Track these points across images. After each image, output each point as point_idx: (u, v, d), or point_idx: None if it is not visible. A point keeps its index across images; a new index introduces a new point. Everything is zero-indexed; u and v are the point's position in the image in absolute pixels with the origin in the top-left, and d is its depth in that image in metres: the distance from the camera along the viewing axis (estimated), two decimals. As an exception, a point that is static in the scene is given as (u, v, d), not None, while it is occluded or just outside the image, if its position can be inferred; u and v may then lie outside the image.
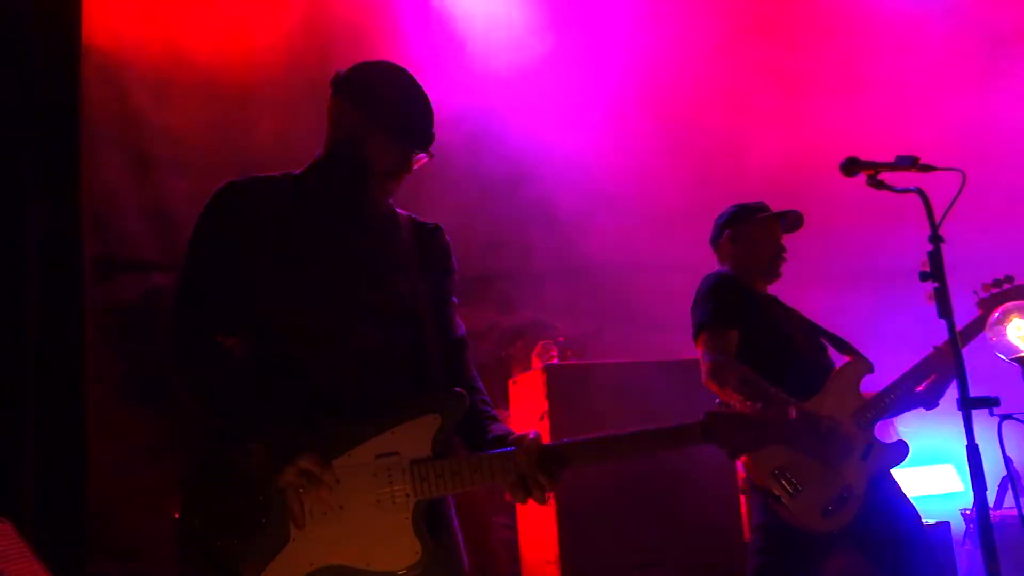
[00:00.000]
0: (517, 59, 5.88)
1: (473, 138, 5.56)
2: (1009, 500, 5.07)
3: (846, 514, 3.20)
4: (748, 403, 3.14)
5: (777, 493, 3.21)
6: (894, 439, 3.41)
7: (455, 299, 2.53)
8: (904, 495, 3.41)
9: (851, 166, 3.14)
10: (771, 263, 3.65)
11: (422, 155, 2.35)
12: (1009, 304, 2.79)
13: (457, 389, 2.26)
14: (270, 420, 2.15)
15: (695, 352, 4.66)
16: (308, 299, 2.23)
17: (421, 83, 2.37)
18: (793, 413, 2.31)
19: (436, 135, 2.35)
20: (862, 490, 3.24)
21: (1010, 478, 3.09)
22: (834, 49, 5.99)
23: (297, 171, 2.40)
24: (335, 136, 2.35)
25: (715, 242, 3.81)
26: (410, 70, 2.38)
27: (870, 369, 3.42)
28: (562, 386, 4.55)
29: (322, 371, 2.20)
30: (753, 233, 3.68)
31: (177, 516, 2.12)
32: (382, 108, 2.29)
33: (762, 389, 3.21)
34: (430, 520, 2.19)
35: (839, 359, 3.53)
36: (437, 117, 2.36)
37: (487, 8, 6.07)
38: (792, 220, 3.72)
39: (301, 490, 2.10)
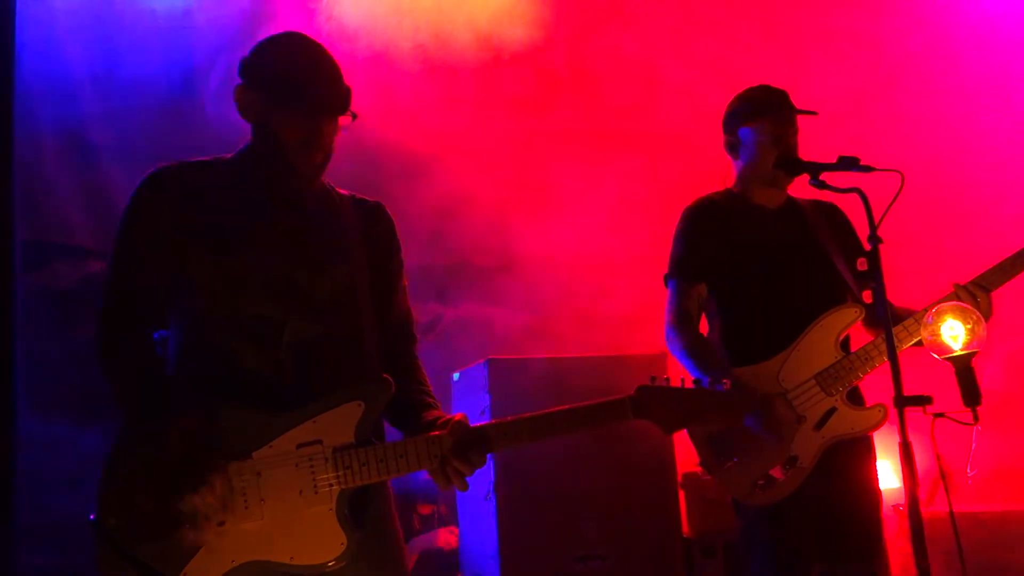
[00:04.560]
0: (449, 42, 5.82)
1: (406, 127, 5.52)
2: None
3: (783, 488, 3.01)
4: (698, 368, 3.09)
5: (706, 462, 3.09)
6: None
7: (404, 281, 2.46)
8: (867, 471, 3.19)
9: (791, 166, 3.16)
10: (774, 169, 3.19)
11: (343, 118, 2.27)
12: (943, 304, 2.80)
13: (384, 375, 2.20)
14: (189, 414, 2.07)
15: (641, 347, 4.68)
16: (240, 288, 2.17)
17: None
18: (727, 386, 2.26)
19: (351, 92, 2.27)
20: (811, 461, 3.04)
21: (941, 476, 3.12)
22: (782, 46, 6.03)
23: (228, 156, 2.34)
24: (249, 122, 2.30)
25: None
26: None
27: (859, 316, 3.13)
28: (504, 380, 4.52)
29: (255, 363, 2.15)
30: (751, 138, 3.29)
31: (92, 516, 2.05)
32: (276, 82, 2.22)
33: (705, 359, 3.09)
34: (357, 510, 2.13)
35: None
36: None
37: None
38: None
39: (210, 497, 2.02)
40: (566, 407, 2.20)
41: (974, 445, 5.28)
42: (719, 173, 3.48)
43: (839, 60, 5.95)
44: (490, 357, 4.62)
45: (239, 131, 2.38)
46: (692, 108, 5.80)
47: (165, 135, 5.14)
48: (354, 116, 2.28)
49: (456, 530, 5.16)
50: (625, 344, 4.93)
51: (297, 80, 2.21)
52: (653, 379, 2.25)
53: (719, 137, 3.46)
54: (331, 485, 2.09)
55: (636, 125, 6.00)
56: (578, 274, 5.88)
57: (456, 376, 5.00)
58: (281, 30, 2.35)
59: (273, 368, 2.15)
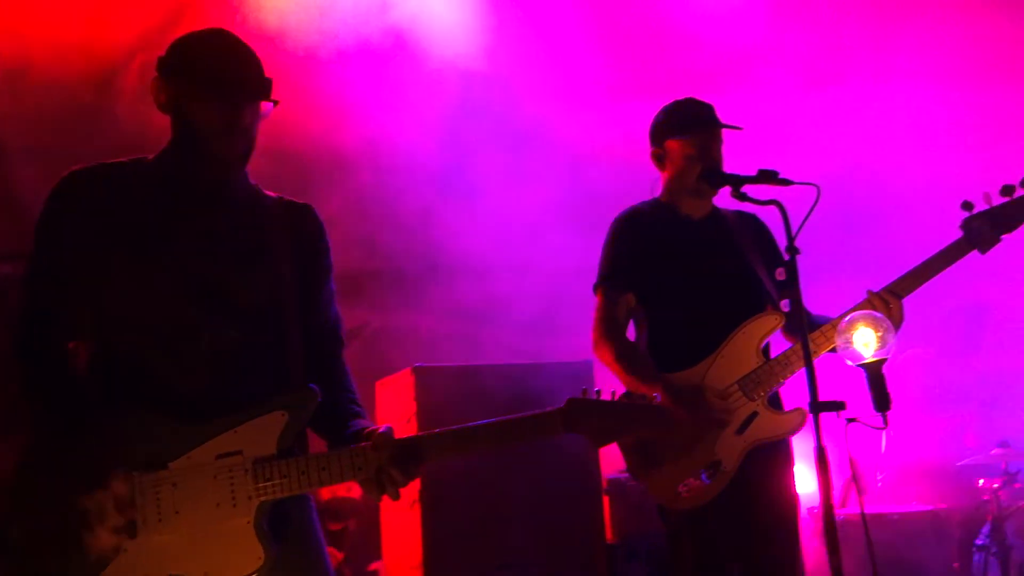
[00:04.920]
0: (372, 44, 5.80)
1: (330, 129, 5.47)
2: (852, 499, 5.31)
3: (707, 492, 3.08)
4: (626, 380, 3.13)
5: (632, 468, 3.13)
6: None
7: (331, 285, 2.42)
8: (786, 474, 3.26)
9: (715, 178, 3.24)
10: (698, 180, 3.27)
11: (264, 104, 2.23)
12: (856, 313, 2.90)
13: (310, 385, 2.17)
14: (103, 424, 2.02)
15: (569, 354, 4.71)
16: (156, 293, 2.11)
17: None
18: (657, 399, 2.29)
19: (271, 82, 2.23)
20: (734, 465, 3.10)
21: (854, 479, 3.20)
22: (705, 60, 6.15)
23: (150, 157, 2.28)
24: (168, 114, 2.24)
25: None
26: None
27: (779, 324, 3.22)
28: (431, 388, 4.50)
29: (171, 372, 2.09)
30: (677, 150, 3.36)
31: None
32: (193, 69, 2.17)
33: (635, 366, 3.14)
34: (278, 523, 2.09)
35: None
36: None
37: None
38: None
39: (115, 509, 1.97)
40: (498, 419, 2.20)
41: (883, 448, 5.50)
42: (643, 181, 3.54)
43: (760, 77, 6.11)
44: (416, 365, 4.59)
45: (157, 132, 2.32)
46: (615, 116, 5.89)
47: (80, 136, 5.00)
48: (275, 103, 2.24)
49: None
50: (551, 351, 4.96)
51: (215, 66, 2.17)
52: (584, 391, 2.27)
53: (640, 146, 3.53)
54: (250, 497, 2.05)
55: (559, 132, 6.06)
56: (505, 281, 5.90)
57: (382, 383, 4.96)
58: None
59: (190, 376, 2.09)
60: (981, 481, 4.84)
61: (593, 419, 2.23)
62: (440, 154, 5.87)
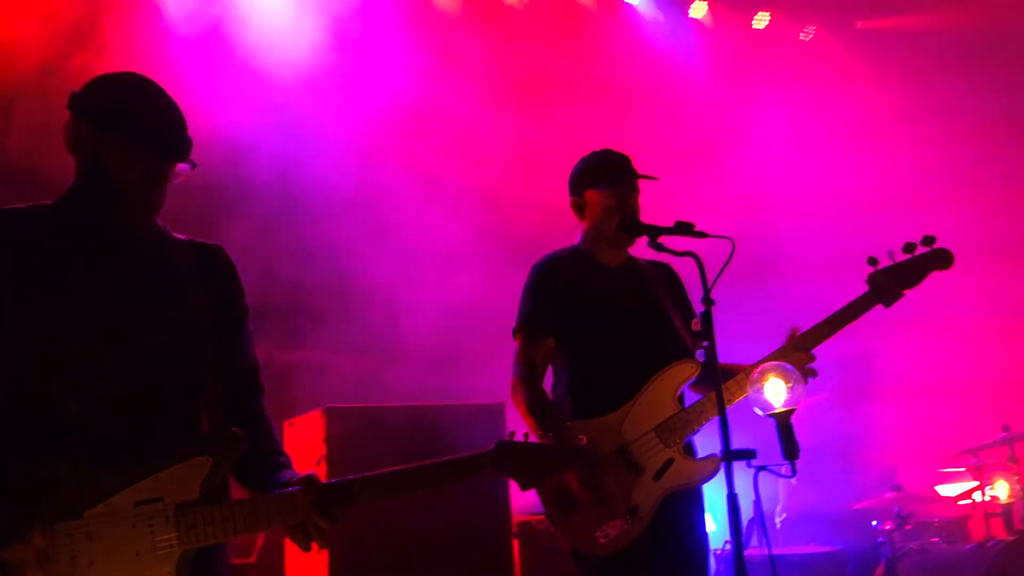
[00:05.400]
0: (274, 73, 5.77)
1: (243, 162, 5.40)
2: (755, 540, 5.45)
3: (623, 537, 3.10)
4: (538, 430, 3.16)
5: (549, 511, 3.14)
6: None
7: (249, 326, 2.38)
8: (698, 519, 3.32)
9: (633, 228, 3.32)
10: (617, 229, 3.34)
11: (182, 165, 2.21)
12: (767, 364, 3.00)
13: (234, 429, 2.12)
14: (19, 473, 1.93)
15: (478, 393, 4.71)
16: (61, 336, 2.04)
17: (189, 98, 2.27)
18: (583, 440, 2.33)
19: (193, 142, 2.22)
20: (651, 510, 3.14)
21: (761, 521, 3.30)
22: (618, 109, 6.32)
23: (49, 201, 2.20)
24: (80, 159, 2.18)
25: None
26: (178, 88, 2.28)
27: (695, 372, 3.28)
28: (342, 429, 4.44)
29: (83, 415, 2.01)
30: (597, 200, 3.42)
31: None
32: (121, 122, 2.13)
33: (544, 420, 3.15)
34: (199, 571, 2.04)
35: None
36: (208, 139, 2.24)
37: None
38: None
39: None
40: (427, 463, 2.19)
41: (785, 493, 5.66)
42: (557, 223, 3.61)
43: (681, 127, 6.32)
44: (328, 405, 4.53)
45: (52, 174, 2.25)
46: (521, 160, 5.98)
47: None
48: (194, 165, 2.22)
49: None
50: (459, 390, 4.96)
51: (144, 121, 2.14)
52: (511, 434, 2.30)
53: (554, 186, 3.60)
54: (171, 546, 1.98)
55: (471, 170, 6.11)
56: (416, 320, 5.87)
57: (290, 423, 4.87)
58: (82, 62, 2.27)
59: (102, 420, 2.03)
60: (876, 523, 5.03)
61: (520, 460, 2.26)
62: (350, 187, 5.84)
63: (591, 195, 3.46)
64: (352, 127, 5.94)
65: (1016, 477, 4.71)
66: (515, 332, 3.42)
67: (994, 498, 4.71)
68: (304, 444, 4.62)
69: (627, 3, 7.15)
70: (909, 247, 3.28)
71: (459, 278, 5.74)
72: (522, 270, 3.49)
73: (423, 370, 5.76)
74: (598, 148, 3.56)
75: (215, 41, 5.78)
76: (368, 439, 4.38)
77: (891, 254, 3.29)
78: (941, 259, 3.29)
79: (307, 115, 5.84)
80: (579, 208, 3.52)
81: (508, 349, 3.42)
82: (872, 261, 3.31)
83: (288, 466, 2.27)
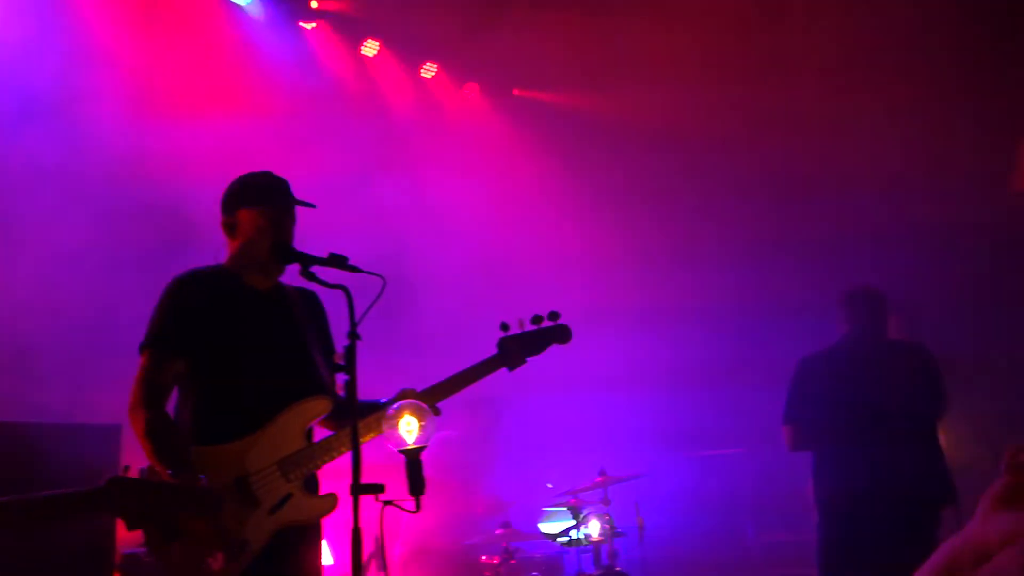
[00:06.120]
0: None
1: None
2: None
3: (229, 572, 2.98)
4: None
5: (149, 542, 2.87)
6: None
7: None
8: (311, 554, 3.29)
9: (285, 254, 3.28)
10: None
11: None
12: (404, 401, 3.10)
13: None
14: None
15: (91, 415, 4.33)
16: None
17: None
18: (204, 481, 2.22)
19: None
20: (260, 545, 3.07)
21: (381, 555, 3.38)
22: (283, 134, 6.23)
23: None
24: None
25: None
26: None
27: (328, 409, 3.29)
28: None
29: None
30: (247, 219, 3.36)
31: None
32: None
33: (163, 448, 2.96)
34: None
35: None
36: None
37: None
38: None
39: None
40: (26, 497, 1.98)
41: (404, 527, 5.82)
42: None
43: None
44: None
45: None
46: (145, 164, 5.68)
47: None
48: None
49: None
50: (80, 410, 4.54)
51: None
52: (126, 468, 2.13)
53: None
54: None
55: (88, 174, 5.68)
56: (35, 325, 5.26)
57: None
58: None
59: None
60: (483, 558, 5.33)
61: (133, 499, 2.10)
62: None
63: (244, 215, 3.38)
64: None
65: (607, 517, 5.25)
66: (142, 348, 3.21)
67: (588, 536, 5.20)
68: None
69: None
70: (536, 319, 3.59)
71: (71, 281, 5.25)
72: (137, 274, 3.29)
73: (39, 385, 5.12)
74: (256, 169, 3.49)
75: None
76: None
77: (521, 323, 3.57)
78: (562, 334, 3.63)
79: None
80: (230, 227, 3.42)
81: (131, 364, 3.20)
82: (504, 327, 3.58)
83: None
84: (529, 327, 3.58)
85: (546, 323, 3.59)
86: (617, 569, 5.23)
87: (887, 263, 6.38)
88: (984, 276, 6.56)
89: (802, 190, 6.91)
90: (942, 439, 4.96)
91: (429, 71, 7.66)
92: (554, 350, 3.64)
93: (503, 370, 3.56)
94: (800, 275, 6.82)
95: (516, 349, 3.55)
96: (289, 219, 3.41)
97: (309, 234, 3.47)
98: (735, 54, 6.75)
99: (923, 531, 4.68)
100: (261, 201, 3.37)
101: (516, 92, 8.03)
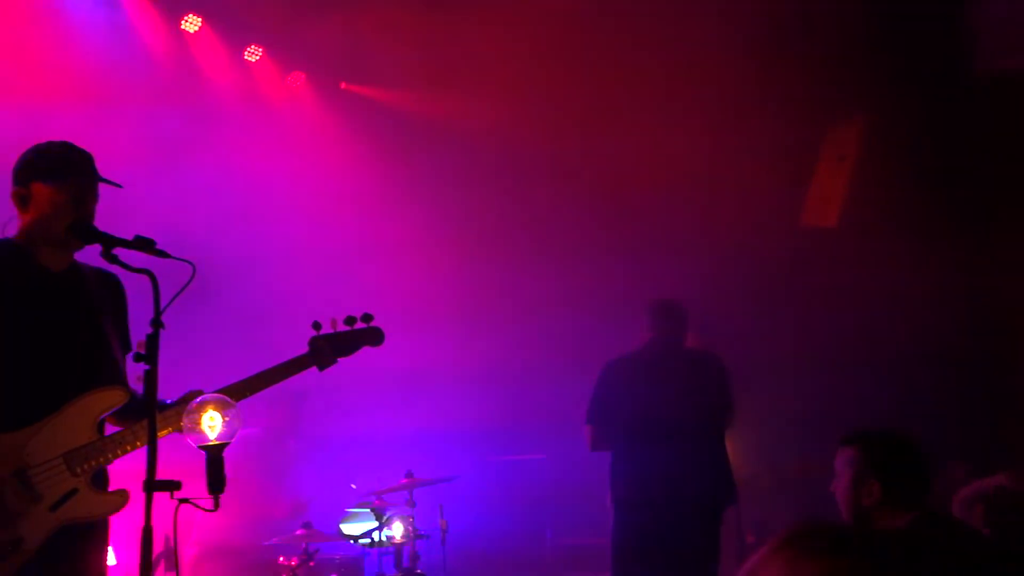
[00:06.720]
0: None
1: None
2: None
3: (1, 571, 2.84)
4: None
5: None
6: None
7: None
8: (95, 554, 3.12)
9: (85, 233, 3.06)
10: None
11: None
12: (208, 395, 2.96)
13: None
14: None
15: None
16: None
17: None
18: None
19: None
20: (37, 544, 2.90)
21: (175, 554, 3.22)
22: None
23: None
24: None
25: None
26: None
27: (122, 401, 3.11)
28: None
29: None
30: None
31: None
32: None
33: None
34: None
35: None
36: None
37: None
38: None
39: None
40: None
41: (197, 526, 5.60)
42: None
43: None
44: None
45: None
46: None
47: None
48: None
49: None
50: None
51: None
52: None
53: None
54: None
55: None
56: None
57: None
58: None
59: None
60: (281, 559, 5.19)
61: None
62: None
63: (39, 188, 3.15)
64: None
65: (411, 519, 5.23)
66: None
67: (391, 537, 5.16)
68: None
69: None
70: (350, 320, 3.51)
71: None
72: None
73: None
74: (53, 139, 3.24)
75: None
76: None
77: (334, 322, 3.49)
78: (374, 336, 3.56)
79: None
80: (22, 200, 3.18)
81: None
82: (316, 325, 3.49)
83: None
84: (342, 327, 3.50)
85: (359, 324, 3.53)
86: (418, 571, 5.23)
87: (688, 266, 6.65)
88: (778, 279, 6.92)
89: (616, 192, 7.10)
90: (728, 445, 5.31)
91: (254, 54, 7.39)
92: (365, 348, 3.58)
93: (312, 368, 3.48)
94: (608, 278, 7.04)
95: (327, 349, 3.47)
96: (92, 197, 3.20)
97: (113, 214, 3.27)
98: (567, 55, 6.89)
99: (707, 529, 5.01)
100: (60, 176, 3.14)
101: (344, 86, 7.89)
